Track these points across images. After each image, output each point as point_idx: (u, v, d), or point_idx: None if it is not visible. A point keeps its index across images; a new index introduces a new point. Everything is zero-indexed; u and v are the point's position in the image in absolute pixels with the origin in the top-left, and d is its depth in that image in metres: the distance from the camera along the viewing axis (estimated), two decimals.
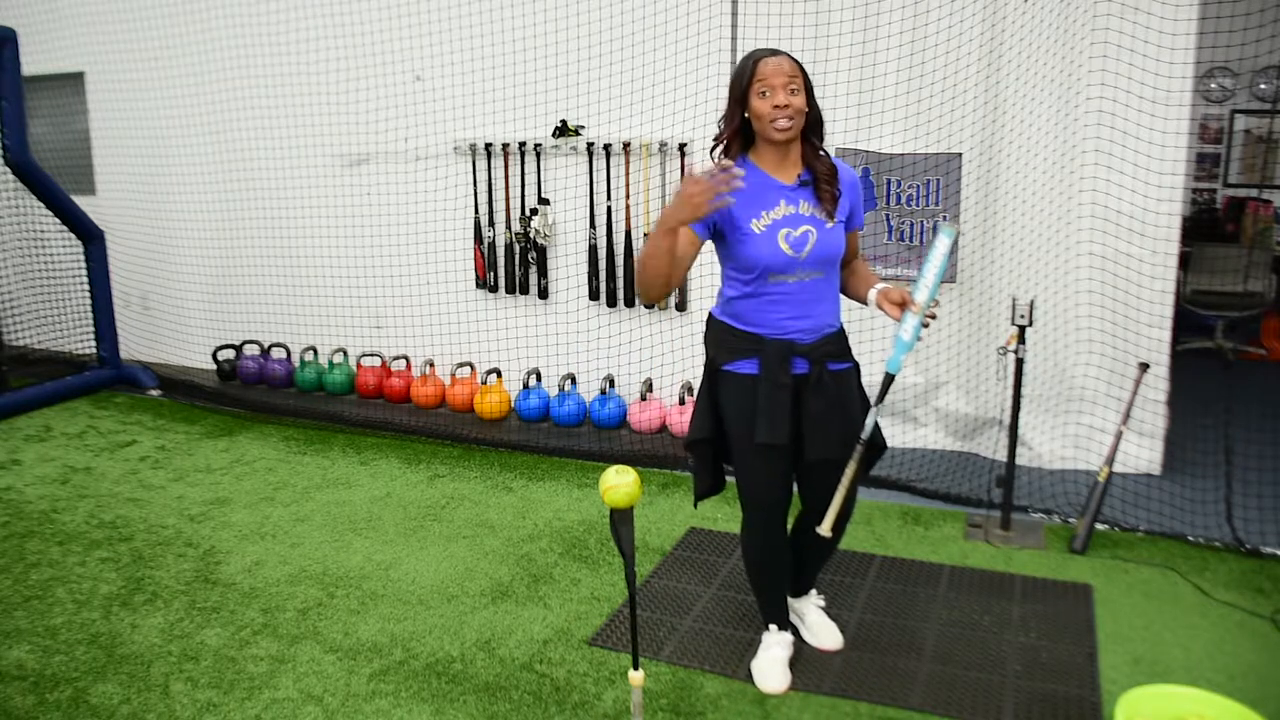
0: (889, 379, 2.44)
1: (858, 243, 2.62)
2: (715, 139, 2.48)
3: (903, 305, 2.39)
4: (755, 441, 2.48)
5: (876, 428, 2.52)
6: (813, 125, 2.43)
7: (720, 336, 2.55)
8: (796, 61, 2.37)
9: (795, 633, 2.91)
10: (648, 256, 2.32)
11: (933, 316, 2.39)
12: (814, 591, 3.01)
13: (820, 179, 2.44)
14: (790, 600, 2.92)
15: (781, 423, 2.45)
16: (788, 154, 2.43)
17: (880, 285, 2.50)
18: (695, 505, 2.88)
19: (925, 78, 4.23)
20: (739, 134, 2.43)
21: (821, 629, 2.92)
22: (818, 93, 4.56)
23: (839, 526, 2.64)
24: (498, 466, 4.53)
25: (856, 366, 2.61)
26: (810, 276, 2.44)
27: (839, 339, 2.55)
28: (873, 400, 2.49)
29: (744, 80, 2.37)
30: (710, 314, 2.61)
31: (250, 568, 3.51)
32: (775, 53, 2.37)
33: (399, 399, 5.60)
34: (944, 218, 4.31)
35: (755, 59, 2.37)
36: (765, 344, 2.46)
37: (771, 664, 2.74)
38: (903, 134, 4.31)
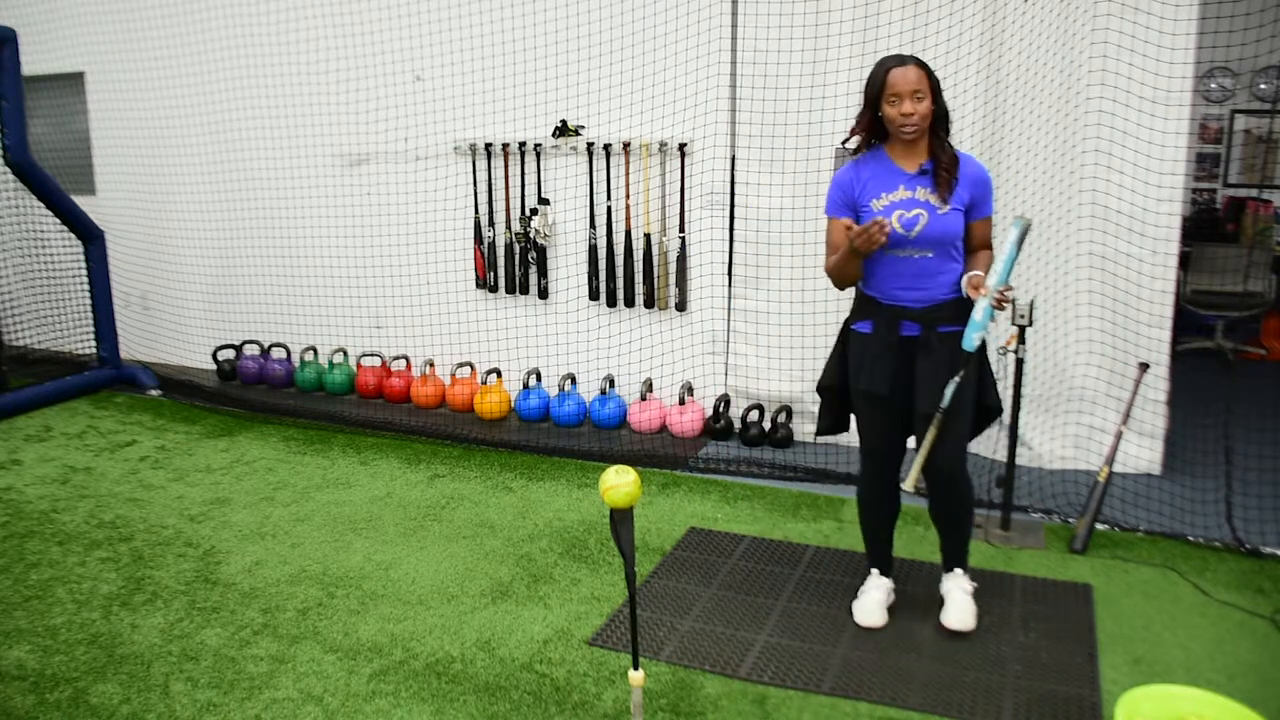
0: (966, 356, 2.71)
1: (986, 231, 2.84)
2: (851, 131, 2.79)
3: (978, 289, 2.68)
4: (857, 388, 2.84)
5: (993, 391, 2.90)
6: (939, 120, 2.71)
7: (855, 297, 2.90)
8: (923, 67, 2.66)
9: (895, 580, 3.15)
10: (843, 271, 2.78)
11: (1007, 300, 2.65)
12: (959, 571, 3.06)
13: (941, 166, 2.71)
14: (943, 575, 3.10)
15: (882, 375, 2.78)
16: (914, 146, 2.73)
17: (970, 273, 2.75)
18: (815, 439, 3.17)
19: None
20: (872, 128, 2.75)
21: (952, 608, 2.98)
22: (818, 93, 4.59)
23: (962, 508, 2.96)
24: (498, 466, 4.53)
25: None
26: (920, 254, 2.73)
27: (954, 306, 2.77)
28: (967, 374, 2.76)
29: (876, 88, 2.68)
30: None
31: (250, 568, 3.51)
32: (903, 61, 2.65)
33: (399, 399, 5.61)
34: None
35: (887, 69, 2.66)
36: (881, 308, 2.79)
37: (870, 604, 3.03)
38: None
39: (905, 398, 2.81)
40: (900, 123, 2.65)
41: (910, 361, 2.79)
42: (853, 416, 3.03)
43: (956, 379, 2.72)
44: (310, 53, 5.57)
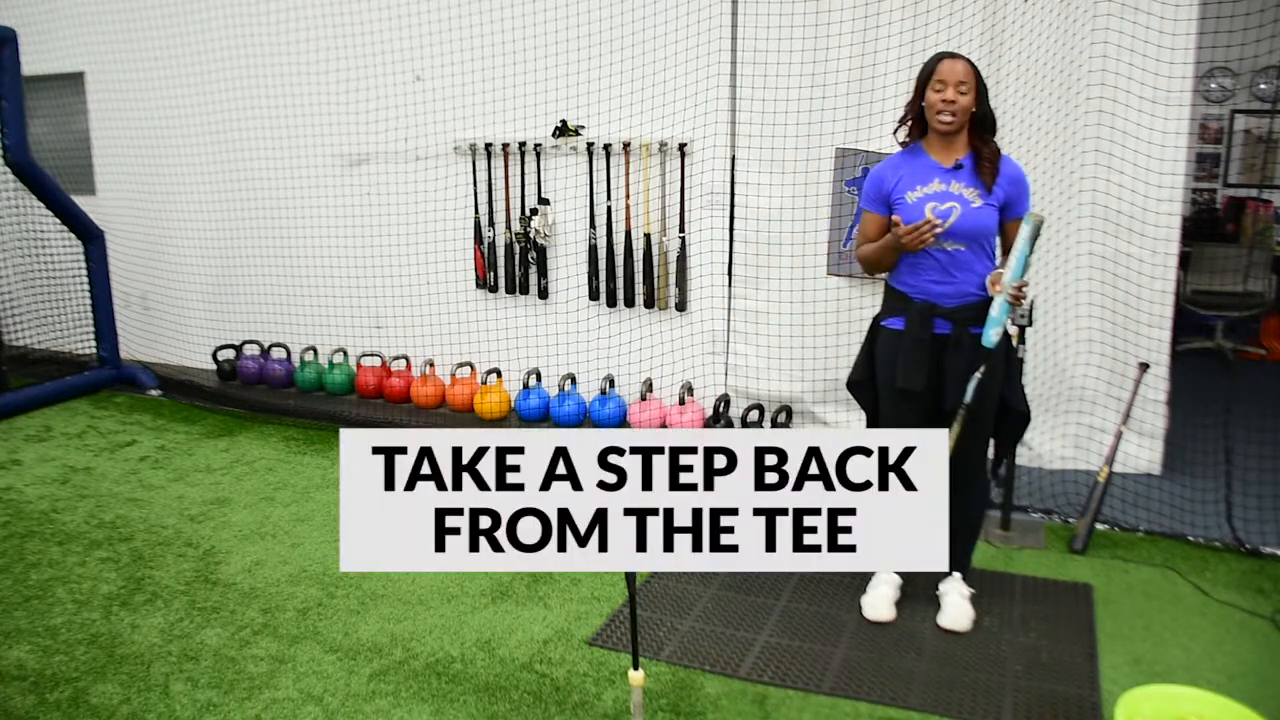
0: (985, 352, 2.77)
1: (1016, 233, 2.84)
2: (899, 121, 2.89)
3: (995, 285, 2.75)
4: (895, 386, 2.87)
5: (1021, 396, 2.94)
6: (981, 121, 2.79)
7: (885, 294, 2.97)
8: (974, 67, 2.75)
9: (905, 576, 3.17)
10: (878, 261, 2.88)
11: (1022, 296, 2.72)
12: (958, 576, 3.08)
13: (984, 157, 2.78)
14: (944, 576, 3.10)
15: (917, 373, 2.82)
16: (952, 143, 2.80)
17: (994, 270, 2.81)
18: None
19: None
20: (919, 122, 2.83)
21: (948, 610, 3.01)
22: (818, 93, 4.58)
23: (972, 512, 3.02)
24: None
25: (1005, 333, 2.84)
26: (953, 247, 2.78)
27: (983, 306, 2.81)
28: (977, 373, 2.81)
29: (925, 74, 2.77)
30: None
31: (250, 568, 3.51)
32: (956, 56, 2.76)
33: (399, 399, 5.61)
34: None
35: (938, 58, 2.76)
36: (911, 304, 2.84)
37: (878, 599, 3.07)
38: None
39: (935, 395, 2.87)
40: (939, 108, 2.72)
41: (940, 359, 2.84)
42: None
43: (978, 375, 2.77)
44: (310, 53, 5.57)
